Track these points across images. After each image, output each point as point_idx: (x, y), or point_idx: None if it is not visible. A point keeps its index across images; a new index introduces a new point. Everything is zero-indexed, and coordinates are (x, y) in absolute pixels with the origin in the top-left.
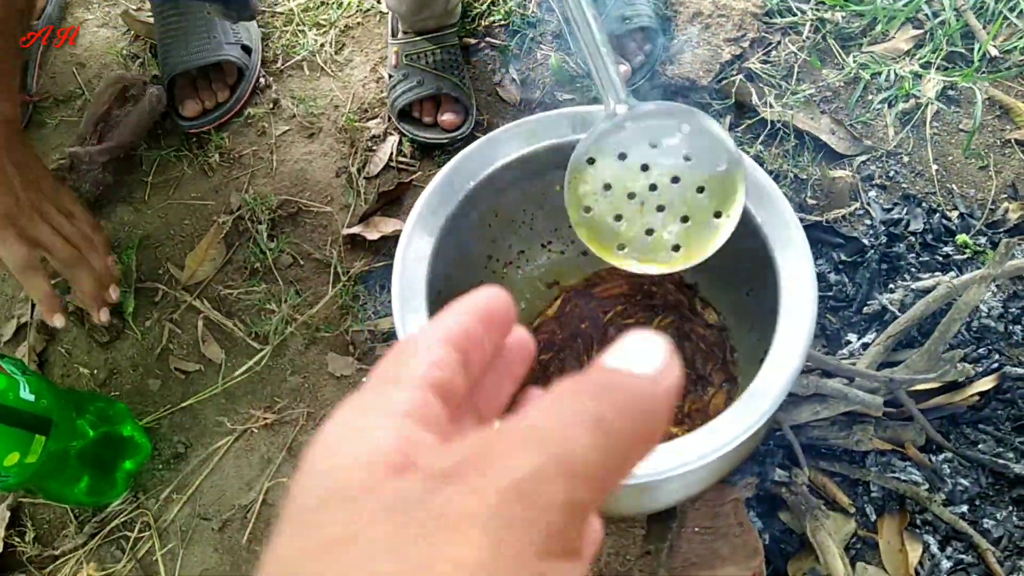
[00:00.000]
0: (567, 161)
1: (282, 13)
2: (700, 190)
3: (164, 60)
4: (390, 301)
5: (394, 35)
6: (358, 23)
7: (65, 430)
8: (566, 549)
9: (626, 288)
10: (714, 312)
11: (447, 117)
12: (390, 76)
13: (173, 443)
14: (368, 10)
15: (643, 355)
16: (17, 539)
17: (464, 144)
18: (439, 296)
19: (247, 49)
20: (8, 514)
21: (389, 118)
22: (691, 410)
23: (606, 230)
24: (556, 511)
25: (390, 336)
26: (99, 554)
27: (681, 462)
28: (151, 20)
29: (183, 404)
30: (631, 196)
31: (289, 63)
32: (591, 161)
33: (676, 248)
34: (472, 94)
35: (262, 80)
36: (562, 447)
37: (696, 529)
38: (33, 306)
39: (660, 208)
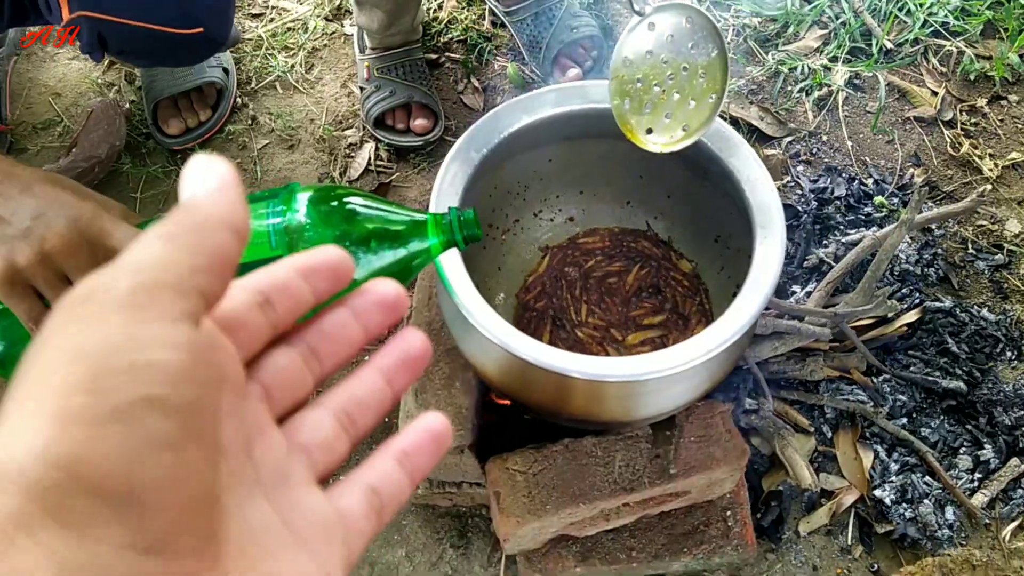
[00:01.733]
0: (555, 134)
1: (250, 39)
2: (702, 75)
3: (150, 86)
4: None
5: (362, 51)
6: (324, 45)
7: None
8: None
9: (607, 243)
10: (687, 262)
11: (419, 122)
12: (362, 89)
13: None
14: (333, 33)
15: (199, 182)
16: None
17: (436, 146)
18: None
19: (225, 71)
20: None
21: (363, 127)
22: (676, 342)
23: (638, 118)
24: (124, 292)
25: None
26: None
27: (685, 360)
28: None
29: None
30: (657, 86)
31: (263, 83)
32: (627, 60)
33: (684, 128)
34: (439, 101)
35: (238, 100)
36: (134, 254)
37: (692, 439)
38: None
39: (676, 93)
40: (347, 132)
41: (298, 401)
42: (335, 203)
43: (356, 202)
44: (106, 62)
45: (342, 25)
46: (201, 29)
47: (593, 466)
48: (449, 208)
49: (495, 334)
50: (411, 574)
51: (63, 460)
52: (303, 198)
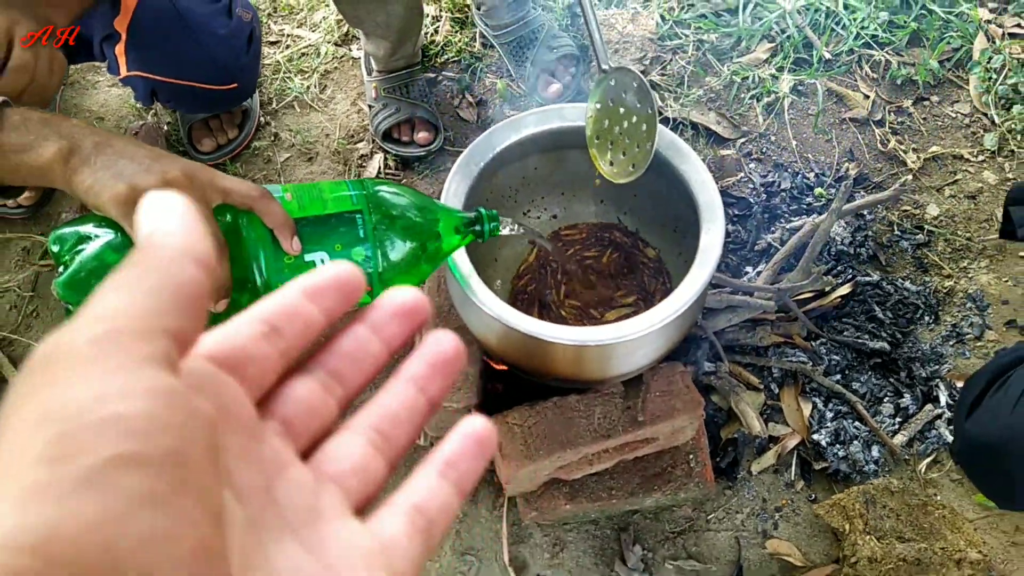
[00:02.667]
0: (538, 147)
1: (269, 64)
2: (642, 125)
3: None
4: None
5: (369, 73)
6: (335, 67)
7: None
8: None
9: (584, 234)
10: (652, 249)
11: (422, 135)
12: (371, 107)
13: None
14: (342, 56)
15: (155, 219)
16: None
17: (437, 155)
18: None
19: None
20: None
21: (373, 140)
22: None
23: (604, 152)
24: (84, 345)
25: None
26: None
27: (646, 327)
28: None
29: None
30: (617, 128)
31: (282, 104)
32: (597, 106)
33: (633, 165)
34: (438, 115)
35: (261, 119)
36: (91, 307)
37: (657, 393)
38: None
39: (628, 137)
40: (359, 145)
41: (323, 430)
42: (388, 191)
43: (403, 193)
44: None
45: (350, 49)
46: (236, 85)
47: (577, 418)
48: (478, 209)
49: (497, 312)
50: None
51: (32, 543)
52: (370, 184)
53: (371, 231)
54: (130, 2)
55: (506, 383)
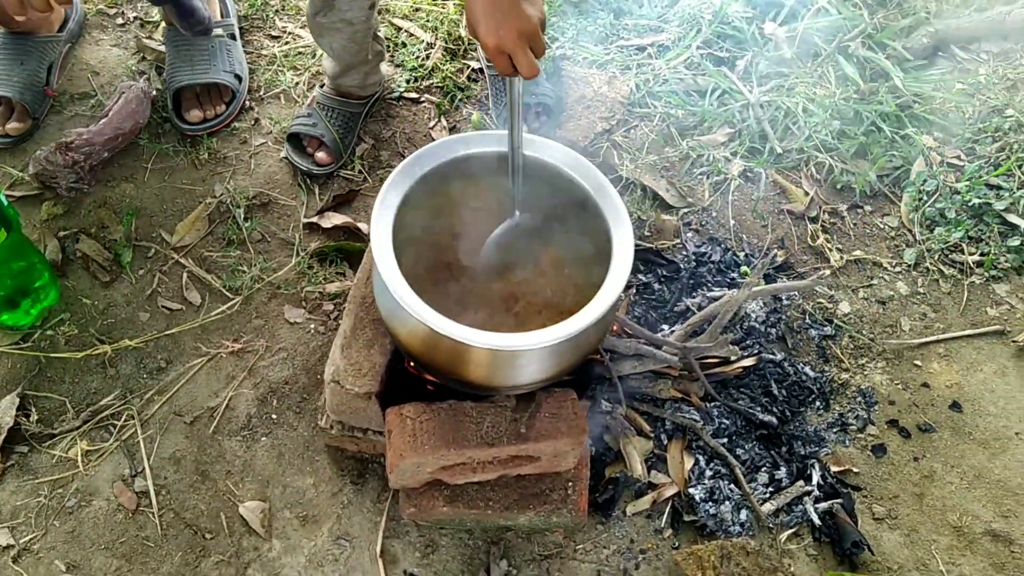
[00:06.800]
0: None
1: (266, 56)
2: None
3: (171, 75)
4: (337, 272)
5: (321, 86)
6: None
7: (16, 241)
8: None
9: None
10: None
11: (321, 155)
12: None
13: (157, 359)
14: None
15: None
16: (23, 419)
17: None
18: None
19: (238, 77)
20: (17, 400)
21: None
22: None
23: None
24: None
25: (335, 296)
26: (90, 435)
27: (542, 339)
28: (158, 47)
29: (167, 332)
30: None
31: (270, 93)
32: None
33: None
34: (344, 149)
35: (247, 104)
36: None
37: (546, 414)
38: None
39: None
40: None
41: None
42: None
43: None
44: (140, 54)
45: None
46: None
47: (468, 423)
48: None
49: (411, 306)
50: (315, 498)
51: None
52: None
53: None
54: None
55: (413, 388)
